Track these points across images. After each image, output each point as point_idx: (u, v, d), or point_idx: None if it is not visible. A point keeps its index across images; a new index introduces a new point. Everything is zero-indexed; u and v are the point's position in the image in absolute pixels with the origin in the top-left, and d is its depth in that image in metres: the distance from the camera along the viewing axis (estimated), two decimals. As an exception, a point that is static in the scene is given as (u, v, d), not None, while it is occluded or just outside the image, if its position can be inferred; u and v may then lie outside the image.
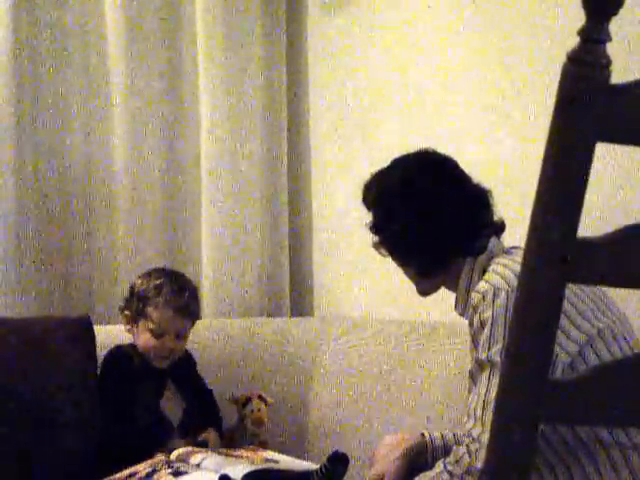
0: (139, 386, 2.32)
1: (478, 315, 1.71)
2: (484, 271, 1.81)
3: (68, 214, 2.79)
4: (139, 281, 2.41)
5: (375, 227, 1.94)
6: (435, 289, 1.96)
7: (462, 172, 1.92)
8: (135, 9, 2.83)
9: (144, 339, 2.36)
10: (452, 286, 1.91)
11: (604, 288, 1.79)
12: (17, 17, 2.67)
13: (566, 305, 1.68)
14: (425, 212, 1.86)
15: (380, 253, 1.96)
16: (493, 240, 1.87)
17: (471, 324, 1.75)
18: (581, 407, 0.88)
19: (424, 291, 1.97)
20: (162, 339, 2.34)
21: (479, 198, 1.90)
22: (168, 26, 2.89)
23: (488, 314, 1.68)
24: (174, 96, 2.90)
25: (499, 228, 1.91)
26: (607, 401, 0.88)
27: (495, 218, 1.91)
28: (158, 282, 2.36)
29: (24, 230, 2.69)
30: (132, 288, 2.41)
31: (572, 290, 1.71)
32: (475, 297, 1.73)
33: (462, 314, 1.89)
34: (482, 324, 1.70)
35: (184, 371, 2.44)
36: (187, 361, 2.48)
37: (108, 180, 2.82)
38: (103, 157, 2.82)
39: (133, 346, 2.40)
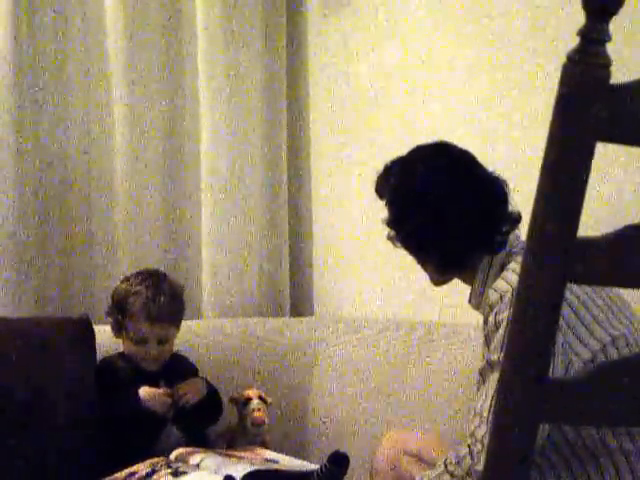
0: (128, 391, 2.31)
1: (494, 315, 1.69)
2: (502, 267, 1.79)
3: (68, 214, 2.78)
4: (121, 287, 2.41)
5: (391, 223, 1.91)
6: (448, 281, 1.95)
7: (478, 165, 1.89)
8: (135, 9, 2.82)
9: (128, 346, 2.39)
10: (467, 279, 1.89)
11: (620, 292, 1.77)
12: (17, 21, 2.67)
13: (582, 311, 1.67)
14: (443, 211, 1.82)
15: (394, 245, 1.94)
16: (512, 236, 1.84)
17: (486, 322, 1.73)
18: (581, 407, 0.88)
19: (437, 282, 1.96)
20: (144, 346, 2.36)
21: (497, 193, 1.86)
22: (168, 26, 2.89)
23: (504, 316, 1.66)
24: (174, 96, 2.90)
25: (515, 219, 1.85)
26: (607, 401, 0.88)
27: (510, 209, 1.86)
28: (136, 289, 2.36)
29: (24, 230, 2.69)
30: (113, 294, 2.42)
31: (588, 295, 1.70)
32: (493, 295, 1.71)
33: (477, 308, 1.87)
34: (497, 325, 1.68)
35: (179, 373, 2.42)
36: (184, 367, 2.47)
37: (108, 180, 2.82)
38: (103, 157, 2.81)
39: (121, 354, 2.42)
